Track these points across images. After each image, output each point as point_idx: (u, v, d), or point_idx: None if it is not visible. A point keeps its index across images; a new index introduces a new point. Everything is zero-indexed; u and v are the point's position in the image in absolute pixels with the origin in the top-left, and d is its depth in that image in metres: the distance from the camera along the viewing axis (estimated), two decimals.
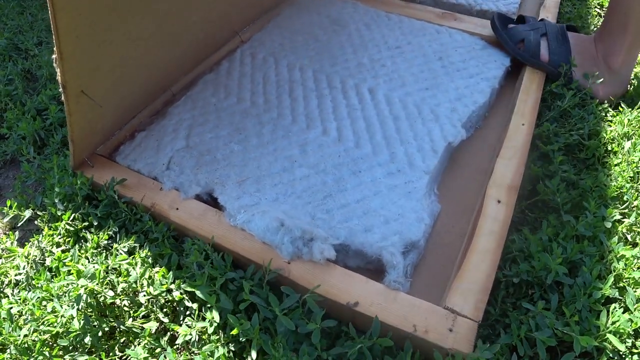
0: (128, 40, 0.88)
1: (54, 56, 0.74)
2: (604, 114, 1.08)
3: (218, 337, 0.70)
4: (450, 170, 1.00)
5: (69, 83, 0.78)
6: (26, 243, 0.89)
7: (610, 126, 1.04)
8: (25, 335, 0.74)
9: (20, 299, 0.81)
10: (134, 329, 0.75)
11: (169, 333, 0.75)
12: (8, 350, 0.75)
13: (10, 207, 0.93)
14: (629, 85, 1.15)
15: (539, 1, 1.51)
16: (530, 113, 1.02)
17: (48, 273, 0.82)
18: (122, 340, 0.76)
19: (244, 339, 0.68)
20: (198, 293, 0.71)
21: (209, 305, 0.70)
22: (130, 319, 0.75)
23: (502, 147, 0.95)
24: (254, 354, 0.64)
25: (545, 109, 1.11)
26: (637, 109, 1.07)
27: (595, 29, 1.43)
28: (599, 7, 1.53)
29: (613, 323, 0.69)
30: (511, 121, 1.00)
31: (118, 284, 0.75)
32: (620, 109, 1.08)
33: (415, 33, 1.28)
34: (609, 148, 0.99)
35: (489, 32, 1.27)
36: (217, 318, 0.68)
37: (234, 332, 0.67)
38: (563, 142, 1.00)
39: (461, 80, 1.12)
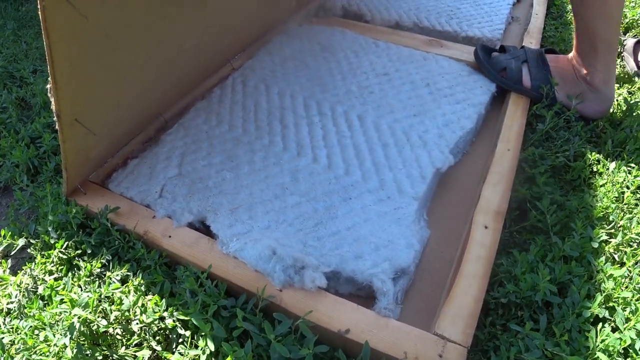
0: (121, 67, 0.90)
1: (48, 86, 0.75)
2: (589, 135, 1.10)
3: None
4: (438, 195, 1.01)
5: (63, 112, 0.79)
6: (19, 271, 0.89)
7: (596, 147, 1.06)
8: None
9: (12, 328, 0.81)
10: (126, 358, 0.75)
11: None
12: None
13: (4, 237, 0.94)
14: (614, 101, 1.18)
15: (523, 27, 1.55)
16: (516, 139, 1.05)
17: (40, 301, 0.82)
18: None
19: None
20: (191, 321, 0.71)
21: (202, 333, 0.71)
22: (123, 348, 0.76)
23: (488, 172, 0.97)
24: None
25: (530, 132, 1.13)
26: (621, 130, 1.09)
27: None
28: None
29: (602, 341, 0.70)
30: (497, 147, 1.02)
31: (111, 312, 0.76)
32: (605, 130, 1.10)
33: (402, 60, 1.31)
34: (594, 169, 1.01)
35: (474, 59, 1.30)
36: (210, 346, 0.69)
37: (228, 359, 0.67)
38: (549, 164, 1.02)
39: (448, 106, 1.15)
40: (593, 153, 1.03)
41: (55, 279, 0.85)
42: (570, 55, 1.18)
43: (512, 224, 0.94)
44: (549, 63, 1.19)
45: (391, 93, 1.19)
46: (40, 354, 0.74)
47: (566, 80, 1.17)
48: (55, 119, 0.79)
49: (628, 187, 0.97)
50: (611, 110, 1.17)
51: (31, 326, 0.78)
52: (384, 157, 1.01)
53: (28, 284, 0.86)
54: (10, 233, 0.94)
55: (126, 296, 0.77)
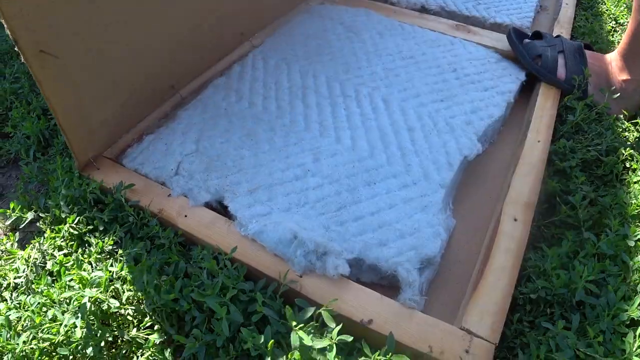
0: (132, 42, 0.87)
1: None
2: (621, 130, 1.06)
3: (226, 350, 0.67)
4: (464, 184, 0.97)
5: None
6: (27, 245, 0.86)
7: (628, 142, 1.01)
8: (24, 343, 0.71)
9: (19, 304, 0.78)
10: (137, 340, 0.72)
11: (174, 344, 0.72)
12: (5, 358, 0.72)
13: (14, 210, 0.90)
14: None
15: (552, 16, 1.50)
16: (546, 130, 1.01)
17: (49, 277, 0.79)
18: (124, 350, 0.73)
19: (255, 354, 0.65)
20: (207, 304, 0.68)
21: (218, 317, 0.67)
22: (135, 329, 0.72)
23: (518, 163, 0.93)
24: None
25: (559, 124, 1.09)
26: None
27: (609, 44, 1.41)
28: (614, 21, 1.52)
29: None
30: (527, 138, 0.98)
31: (123, 292, 0.72)
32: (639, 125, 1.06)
33: (429, 44, 1.26)
34: (627, 165, 0.97)
35: (504, 46, 1.25)
36: (226, 331, 0.65)
37: (247, 345, 0.64)
38: (580, 157, 0.98)
39: (476, 93, 1.10)
40: (627, 148, 0.99)
41: (65, 255, 0.82)
42: (611, 56, 1.13)
43: (539, 218, 0.90)
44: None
45: (417, 76, 1.14)
46: (48, 333, 0.71)
47: (600, 78, 1.12)
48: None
49: None
50: None
51: (39, 303, 0.75)
52: (410, 141, 0.96)
53: (36, 259, 0.83)
54: (19, 206, 0.91)
55: (139, 276, 0.74)
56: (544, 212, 0.92)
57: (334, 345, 0.63)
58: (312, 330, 0.66)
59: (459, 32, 1.33)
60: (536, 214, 0.89)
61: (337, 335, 0.63)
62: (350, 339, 0.64)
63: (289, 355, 0.63)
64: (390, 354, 0.62)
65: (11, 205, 0.90)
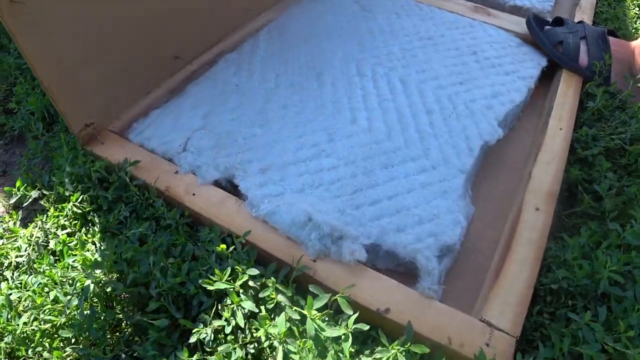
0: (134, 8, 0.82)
1: None
2: None
3: (235, 337, 0.64)
4: (483, 170, 0.94)
5: None
6: (29, 224, 0.83)
7: None
8: (25, 324, 0.68)
9: (20, 284, 0.75)
10: (142, 323, 0.69)
11: (180, 329, 0.69)
12: (5, 339, 0.69)
13: (18, 189, 0.87)
14: None
15: (574, 1, 1.45)
16: (568, 117, 0.97)
17: (51, 257, 0.76)
18: (129, 334, 0.70)
19: (266, 342, 0.61)
20: (216, 289, 0.65)
21: (227, 304, 0.64)
22: (139, 313, 0.69)
23: (539, 151, 0.89)
24: (279, 359, 0.58)
25: (580, 111, 1.05)
26: None
27: (633, 30, 1.36)
28: (637, 7, 1.47)
29: None
30: (549, 125, 0.95)
31: (128, 274, 0.69)
32: None
33: (447, 25, 1.22)
34: None
35: (524, 30, 1.21)
36: (240, 320, 0.61)
37: (259, 333, 0.60)
38: (603, 146, 0.94)
39: (497, 77, 1.06)
40: None
41: (69, 234, 0.79)
42: (636, 43, 1.08)
43: (560, 208, 0.86)
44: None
45: (436, 58, 1.10)
46: (49, 314, 0.68)
47: (623, 66, 1.07)
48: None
49: None
50: None
51: (40, 283, 0.72)
52: (429, 124, 0.92)
53: (39, 238, 0.80)
54: (24, 185, 0.88)
55: (145, 257, 0.70)
56: (564, 201, 0.88)
57: (350, 335, 0.60)
58: (327, 318, 0.63)
59: (478, 14, 1.28)
60: (557, 203, 0.85)
61: (353, 324, 0.60)
62: (366, 327, 0.61)
63: (302, 344, 0.60)
64: (408, 343, 0.59)
65: (17, 184, 0.87)
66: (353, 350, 0.61)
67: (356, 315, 0.61)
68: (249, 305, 0.63)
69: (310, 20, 1.21)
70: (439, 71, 1.06)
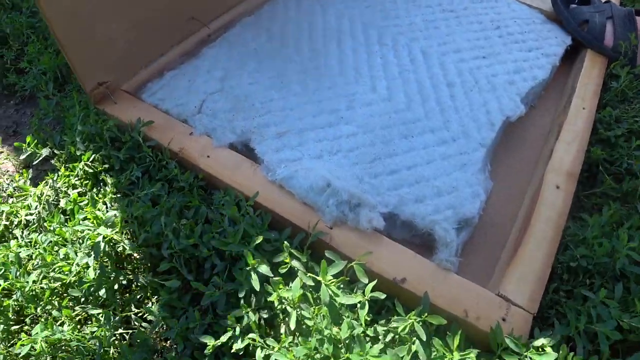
0: None
1: None
2: None
3: (248, 301, 0.62)
4: (502, 146, 0.92)
5: None
6: (40, 182, 0.82)
7: None
8: (34, 282, 0.67)
9: (30, 242, 0.74)
10: (153, 285, 0.67)
11: (191, 293, 0.68)
12: (14, 296, 0.68)
13: (29, 145, 0.85)
14: None
15: None
16: (592, 97, 0.94)
17: (62, 216, 0.74)
18: (139, 295, 0.69)
19: (279, 307, 0.60)
20: (229, 251, 0.63)
21: (240, 267, 0.63)
22: (150, 273, 0.68)
23: (561, 130, 0.87)
24: (292, 324, 0.56)
25: (603, 89, 1.02)
26: None
27: None
28: None
29: None
30: (572, 104, 0.92)
31: (139, 234, 0.68)
32: None
33: None
34: None
35: (549, 7, 1.17)
36: (255, 284, 0.60)
37: (273, 298, 0.59)
38: (626, 127, 0.91)
39: (520, 53, 1.03)
40: None
41: (79, 194, 0.77)
42: None
43: (580, 188, 0.84)
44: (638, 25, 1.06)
45: (458, 31, 1.07)
46: (59, 272, 0.67)
47: None
48: None
49: None
50: None
51: (51, 241, 0.71)
52: (450, 97, 0.90)
53: (49, 197, 0.79)
54: (35, 141, 0.86)
55: (157, 218, 0.69)
56: (584, 181, 0.86)
57: (366, 303, 0.58)
58: (342, 285, 0.61)
59: None
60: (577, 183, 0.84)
61: (370, 292, 0.59)
62: (383, 296, 0.60)
63: (316, 310, 0.58)
64: (425, 314, 0.58)
65: (27, 139, 0.85)
66: (368, 319, 0.59)
67: (373, 283, 0.59)
68: (264, 269, 0.61)
69: None
70: (461, 44, 1.04)
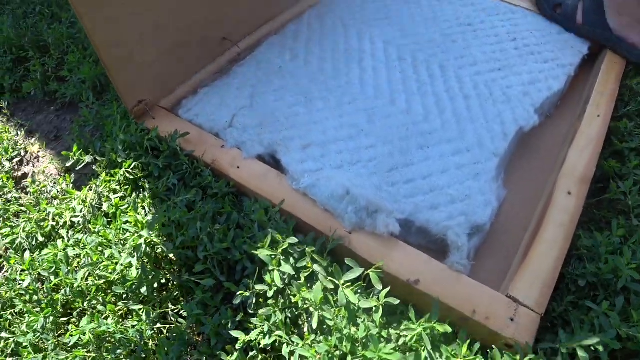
0: None
1: None
2: None
3: (275, 301, 0.68)
4: (517, 155, 0.95)
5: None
6: (83, 187, 0.88)
7: None
8: (81, 279, 0.74)
9: (76, 242, 0.81)
10: (188, 284, 0.74)
11: (223, 293, 0.74)
12: (63, 291, 0.75)
13: (75, 153, 0.93)
14: None
15: None
16: (607, 105, 0.97)
17: (105, 219, 0.81)
18: (175, 294, 0.75)
19: (303, 307, 0.66)
20: (259, 255, 0.69)
21: (269, 269, 0.69)
22: (187, 274, 0.74)
23: (575, 136, 0.90)
24: (314, 324, 0.62)
25: (620, 102, 1.05)
26: None
27: None
28: None
29: None
30: (586, 111, 0.95)
31: (177, 237, 0.74)
32: None
33: (488, 11, 1.23)
34: None
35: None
36: (278, 282, 0.66)
37: (296, 299, 0.65)
38: (638, 142, 0.93)
39: (535, 64, 1.07)
40: None
41: (120, 198, 0.84)
42: None
43: (589, 196, 0.88)
44: None
45: (475, 44, 1.12)
46: (104, 271, 0.74)
47: (622, 16, 1.07)
48: None
49: None
50: None
51: (96, 242, 0.77)
52: (466, 108, 0.95)
53: (93, 200, 0.85)
54: (80, 150, 0.93)
55: (193, 222, 0.75)
56: (596, 192, 0.89)
57: (380, 307, 0.63)
58: (359, 290, 0.66)
59: (521, 0, 1.28)
60: (588, 192, 0.87)
61: (384, 298, 0.64)
62: (396, 302, 0.64)
63: (336, 312, 0.64)
64: (433, 322, 0.63)
65: (74, 149, 0.93)
66: (383, 321, 0.65)
67: (387, 289, 0.64)
68: (287, 269, 0.67)
69: (352, 4, 1.24)
70: (478, 57, 1.08)
